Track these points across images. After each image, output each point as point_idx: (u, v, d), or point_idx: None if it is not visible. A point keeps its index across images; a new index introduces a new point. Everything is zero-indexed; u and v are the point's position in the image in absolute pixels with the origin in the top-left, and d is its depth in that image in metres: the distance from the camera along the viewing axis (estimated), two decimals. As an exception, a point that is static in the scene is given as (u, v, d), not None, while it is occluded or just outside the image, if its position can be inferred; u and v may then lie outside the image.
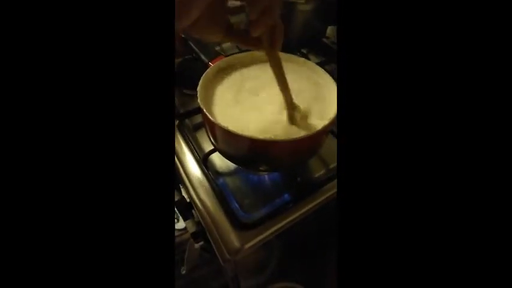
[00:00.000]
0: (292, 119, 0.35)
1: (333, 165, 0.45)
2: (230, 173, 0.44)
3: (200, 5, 0.23)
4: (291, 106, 0.34)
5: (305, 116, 0.34)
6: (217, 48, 0.68)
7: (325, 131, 0.33)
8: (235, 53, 0.47)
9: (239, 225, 0.36)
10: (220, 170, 0.44)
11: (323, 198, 0.40)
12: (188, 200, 0.46)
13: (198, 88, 0.35)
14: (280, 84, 0.33)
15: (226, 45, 0.69)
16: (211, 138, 0.37)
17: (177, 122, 0.49)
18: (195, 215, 0.50)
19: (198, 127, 0.50)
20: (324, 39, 0.70)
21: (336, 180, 0.41)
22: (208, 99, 0.37)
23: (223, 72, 0.41)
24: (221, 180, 0.43)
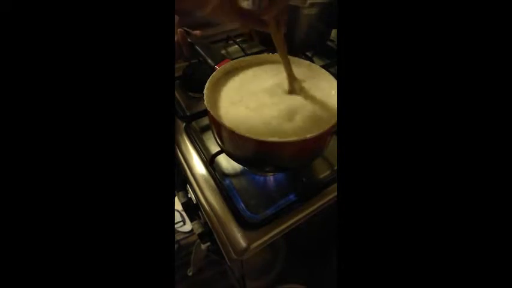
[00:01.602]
0: (292, 90, 0.39)
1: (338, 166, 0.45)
2: (236, 174, 0.44)
3: None
4: (291, 78, 0.39)
5: (302, 87, 0.39)
6: (223, 52, 0.70)
7: (330, 132, 0.33)
8: (241, 57, 0.48)
9: (245, 225, 0.37)
10: (226, 171, 0.44)
11: (328, 198, 0.41)
12: (195, 202, 0.47)
13: (205, 90, 0.36)
14: (283, 58, 0.38)
15: (232, 48, 0.70)
16: (218, 140, 0.38)
17: (183, 125, 0.50)
18: (201, 216, 0.51)
19: (204, 129, 0.51)
20: (329, 42, 0.70)
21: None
22: (215, 101, 0.38)
23: (230, 75, 0.42)
24: (227, 181, 0.43)
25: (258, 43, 0.71)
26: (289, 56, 0.43)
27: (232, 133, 0.32)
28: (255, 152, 0.34)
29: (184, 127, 0.50)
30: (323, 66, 0.42)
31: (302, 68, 0.43)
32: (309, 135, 0.31)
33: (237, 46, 0.68)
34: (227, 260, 0.36)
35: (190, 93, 0.57)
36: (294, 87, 0.39)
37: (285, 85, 0.40)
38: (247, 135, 0.31)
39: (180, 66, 0.62)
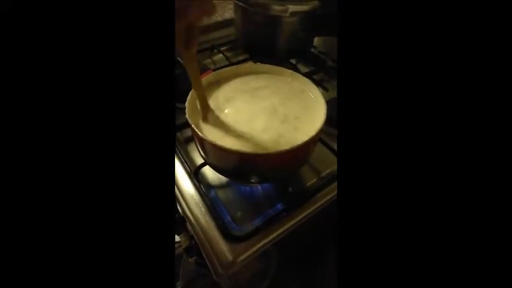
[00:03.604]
0: (205, 119, 0.37)
1: (325, 173, 0.45)
2: (222, 186, 0.44)
3: None
4: (205, 107, 0.37)
5: (216, 117, 0.37)
6: (209, 61, 0.69)
7: (313, 140, 0.33)
8: (225, 66, 0.48)
9: (231, 238, 0.36)
10: (212, 182, 0.44)
11: (316, 206, 0.40)
12: (181, 214, 0.46)
13: (186, 103, 0.35)
14: (195, 84, 0.35)
15: (217, 57, 0.70)
16: (201, 152, 0.37)
17: (168, 136, 0.49)
18: (189, 229, 0.50)
19: (189, 140, 0.50)
20: (312, 49, 0.71)
21: (328, 188, 0.42)
22: (198, 113, 0.37)
23: (212, 86, 0.42)
24: (213, 193, 0.43)
25: (243, 51, 0.71)
26: (272, 66, 0.44)
27: (214, 146, 0.31)
28: (238, 165, 0.33)
29: (169, 138, 0.49)
30: (307, 73, 0.42)
31: (286, 77, 0.43)
32: (291, 146, 0.31)
33: (221, 55, 0.68)
34: (214, 275, 0.36)
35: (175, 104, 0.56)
36: (208, 117, 0.37)
37: (272, 97, 0.40)
38: (229, 148, 0.30)
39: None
